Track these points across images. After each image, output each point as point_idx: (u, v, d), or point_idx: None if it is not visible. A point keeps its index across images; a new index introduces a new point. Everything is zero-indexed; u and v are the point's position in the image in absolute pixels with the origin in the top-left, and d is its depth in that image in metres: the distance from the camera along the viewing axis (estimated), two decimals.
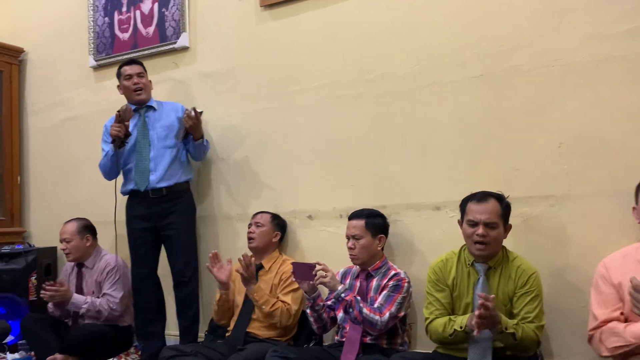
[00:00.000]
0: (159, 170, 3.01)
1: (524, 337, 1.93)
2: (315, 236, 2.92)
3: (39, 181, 4.12)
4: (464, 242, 2.15)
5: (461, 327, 1.97)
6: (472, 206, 2.07)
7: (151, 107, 3.13)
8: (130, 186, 3.06)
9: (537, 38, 2.40)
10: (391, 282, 2.33)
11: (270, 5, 3.11)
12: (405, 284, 2.33)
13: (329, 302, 2.44)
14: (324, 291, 2.49)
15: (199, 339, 3.03)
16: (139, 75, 3.09)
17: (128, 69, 3.09)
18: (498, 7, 2.50)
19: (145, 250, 3.08)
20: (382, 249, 2.48)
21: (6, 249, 3.70)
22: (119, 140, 2.93)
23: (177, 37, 3.42)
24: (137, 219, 3.08)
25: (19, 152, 4.12)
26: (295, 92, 3.04)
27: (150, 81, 3.17)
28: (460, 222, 2.14)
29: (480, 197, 2.07)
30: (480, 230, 2.02)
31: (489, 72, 2.50)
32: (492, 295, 1.85)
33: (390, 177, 2.74)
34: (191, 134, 3.01)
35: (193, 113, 2.91)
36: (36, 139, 4.15)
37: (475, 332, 1.87)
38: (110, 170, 3.09)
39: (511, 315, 2.02)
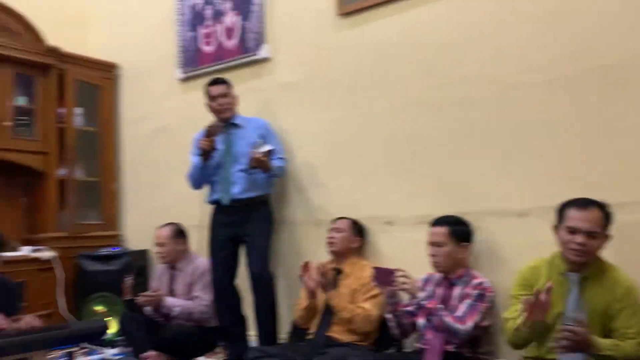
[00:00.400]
0: (240, 184, 3.12)
1: (623, 356, 1.84)
2: (394, 242, 2.93)
3: (132, 188, 4.40)
4: (550, 250, 2.08)
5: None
6: (572, 213, 1.99)
7: (237, 125, 3.23)
8: (215, 197, 3.21)
9: (627, 36, 2.28)
10: (475, 291, 2.29)
11: (348, 14, 3.15)
12: (490, 293, 2.29)
13: (409, 308, 2.44)
14: (405, 297, 2.49)
15: (280, 341, 3.11)
16: (223, 95, 3.20)
17: (213, 90, 3.23)
18: (586, 2, 2.40)
19: (225, 255, 3.19)
20: (466, 257, 2.44)
21: (104, 251, 3.99)
22: (206, 153, 3.09)
23: (258, 48, 3.54)
24: (218, 227, 3.22)
25: (115, 160, 4.42)
26: (371, 99, 3.07)
27: (235, 97, 3.27)
28: (556, 228, 2.07)
29: (583, 204, 1.99)
30: (579, 238, 1.94)
31: (578, 73, 2.40)
32: (583, 319, 1.78)
33: (471, 183, 2.69)
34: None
35: (257, 155, 2.98)
36: (130, 148, 4.44)
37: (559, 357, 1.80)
38: (196, 181, 3.25)
39: (607, 330, 1.93)
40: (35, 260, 3.77)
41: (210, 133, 3.08)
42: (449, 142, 2.78)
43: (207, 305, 3.27)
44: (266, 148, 3.03)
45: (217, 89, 3.22)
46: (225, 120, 3.22)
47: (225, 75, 3.72)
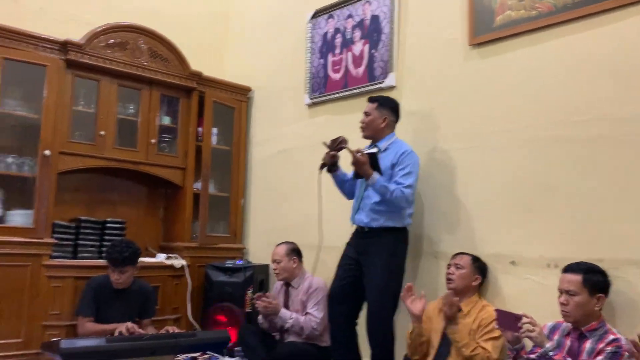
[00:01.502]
0: (364, 210, 3.08)
1: None
2: (518, 284, 2.79)
3: (258, 205, 4.64)
4: None
5: None
6: None
7: (378, 147, 3.10)
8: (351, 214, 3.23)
9: None
10: (609, 348, 2.11)
11: (479, 44, 3.10)
12: (626, 353, 2.10)
13: (533, 357, 2.31)
14: (528, 343, 2.36)
15: None
16: (366, 113, 3.14)
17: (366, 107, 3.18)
18: None
19: (344, 276, 3.16)
20: (600, 309, 2.26)
21: (229, 263, 4.23)
22: (324, 165, 3.17)
23: (385, 77, 3.59)
24: (349, 244, 3.22)
25: (244, 178, 4.69)
26: (499, 132, 2.97)
27: (379, 118, 3.11)
28: None
29: None
30: None
31: None
32: None
33: (608, 228, 2.50)
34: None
35: (356, 153, 2.92)
36: (257, 167, 4.69)
37: None
38: (341, 191, 3.32)
39: None
40: (169, 267, 4.10)
41: (329, 146, 3.11)
42: (581, 182, 2.61)
43: (319, 322, 3.34)
44: (370, 150, 2.99)
45: (366, 106, 3.17)
46: (369, 139, 3.17)
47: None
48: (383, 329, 3.00)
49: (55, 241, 3.65)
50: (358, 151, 2.94)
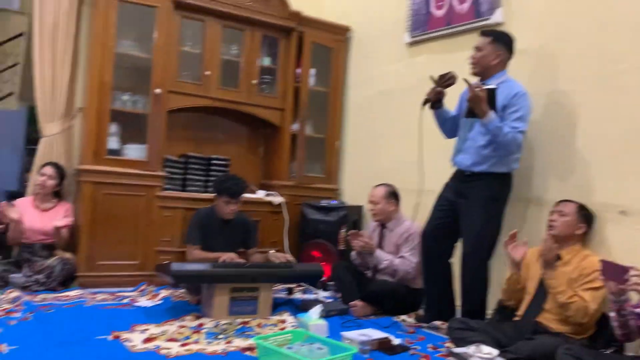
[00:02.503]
0: (468, 152, 2.98)
1: None
2: (627, 235, 2.62)
3: (353, 146, 4.67)
4: None
5: None
6: None
7: (487, 85, 2.86)
8: (452, 155, 3.14)
9: None
10: None
11: None
12: None
13: (638, 310, 2.19)
14: (634, 297, 2.24)
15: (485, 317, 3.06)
16: (477, 48, 2.95)
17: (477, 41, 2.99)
18: None
19: (439, 216, 3.13)
20: None
21: (324, 202, 4.35)
22: (428, 101, 3.06)
23: (492, 13, 3.39)
24: (446, 187, 3.15)
25: (340, 120, 4.72)
26: (618, 72, 2.72)
27: (492, 54, 2.92)
28: None
29: None
30: None
31: None
32: None
33: None
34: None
35: (474, 86, 2.74)
36: (354, 109, 4.68)
37: None
38: (441, 130, 3.22)
39: None
40: (268, 203, 4.29)
41: (438, 82, 2.98)
42: None
43: (413, 267, 3.38)
44: (489, 86, 2.80)
45: (478, 41, 2.97)
46: (478, 76, 2.98)
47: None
48: (477, 274, 2.97)
49: (166, 174, 3.94)
50: (477, 86, 2.78)
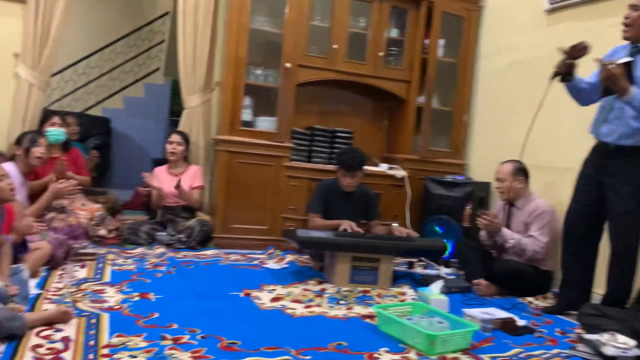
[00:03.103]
0: (612, 123, 2.71)
1: None
2: None
3: (482, 120, 4.49)
4: None
5: None
6: None
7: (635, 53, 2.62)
8: (591, 127, 2.87)
9: None
10: None
11: None
12: None
13: None
14: None
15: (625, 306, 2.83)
16: (633, 7, 2.63)
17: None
18: None
19: (582, 198, 2.89)
20: None
21: (449, 177, 4.25)
22: (558, 74, 2.82)
23: None
24: (587, 163, 2.90)
25: (469, 92, 4.55)
26: None
27: None
28: None
29: None
30: None
31: None
32: None
33: None
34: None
35: (607, 63, 2.46)
36: (484, 81, 4.48)
37: None
38: (574, 99, 2.94)
39: None
40: (390, 177, 4.30)
41: (569, 53, 2.72)
42: None
43: (542, 247, 3.21)
44: (623, 59, 2.52)
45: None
46: (629, 41, 2.69)
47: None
48: (624, 259, 2.74)
49: (294, 146, 4.10)
50: (610, 62, 2.52)
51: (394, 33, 4.40)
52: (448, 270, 3.71)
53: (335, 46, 4.15)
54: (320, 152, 4.29)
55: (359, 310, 2.73)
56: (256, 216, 3.99)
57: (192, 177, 4.00)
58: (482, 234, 3.47)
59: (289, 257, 3.67)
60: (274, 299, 2.78)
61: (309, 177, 4.09)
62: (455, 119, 4.55)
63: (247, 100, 4.07)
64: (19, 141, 3.40)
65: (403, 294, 3.09)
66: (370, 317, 2.62)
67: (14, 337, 1.96)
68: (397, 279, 3.32)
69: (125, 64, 7.11)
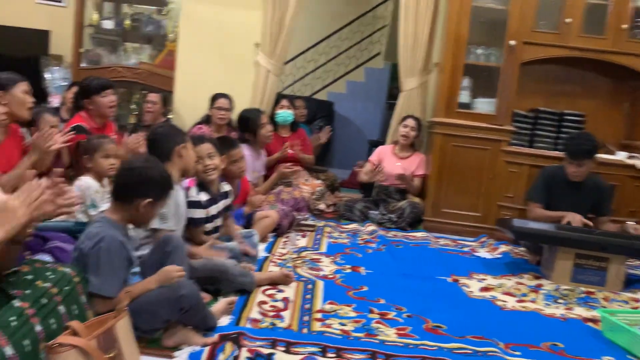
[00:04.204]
0: None
1: None
2: None
3: None
4: None
5: None
6: None
7: None
8: None
9: None
10: None
11: None
12: None
13: None
14: None
15: None
16: None
17: None
18: None
19: None
20: None
21: None
22: None
23: None
24: None
25: None
26: None
27: None
28: None
29: None
30: None
31: None
32: None
33: None
34: None
35: None
36: None
37: None
38: None
39: None
40: (630, 167, 3.75)
41: None
42: None
43: None
44: None
45: None
46: None
47: None
48: None
49: (514, 129, 3.85)
50: None
51: None
52: None
53: (568, 20, 3.75)
54: (544, 136, 3.95)
55: (580, 312, 2.48)
56: (469, 202, 3.87)
57: (417, 165, 4.04)
58: None
59: (503, 248, 3.49)
60: (484, 289, 2.68)
61: (530, 163, 3.80)
62: None
63: (465, 81, 3.94)
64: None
65: (637, 300, 2.70)
66: (594, 321, 2.36)
67: (244, 292, 2.25)
68: (632, 283, 2.92)
69: (349, 50, 7.46)
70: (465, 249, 3.47)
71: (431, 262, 3.07)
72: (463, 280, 2.78)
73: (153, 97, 4.32)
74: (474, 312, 2.36)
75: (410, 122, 4.04)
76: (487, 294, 2.61)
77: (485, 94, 3.94)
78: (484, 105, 3.92)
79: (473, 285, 2.71)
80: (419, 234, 3.69)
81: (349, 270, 2.76)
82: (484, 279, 2.84)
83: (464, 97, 3.94)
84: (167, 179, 1.87)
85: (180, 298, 1.73)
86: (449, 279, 2.78)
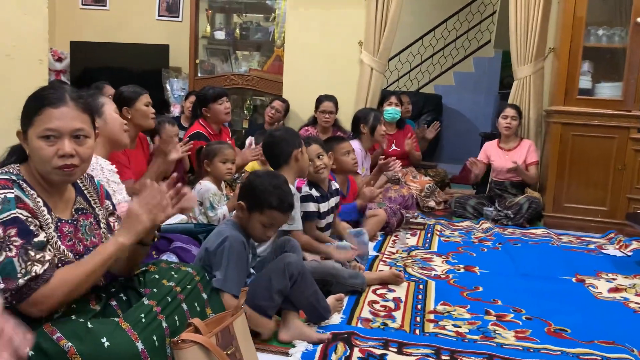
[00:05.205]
0: None
1: None
2: None
3: None
4: None
5: None
6: None
7: None
8: None
9: None
10: None
11: None
12: None
13: None
14: None
15: None
16: None
17: None
18: None
19: None
20: None
21: None
22: None
23: None
24: None
25: None
26: None
27: None
28: None
29: None
30: None
31: None
32: None
33: None
34: None
35: None
36: None
37: None
38: None
39: None
40: None
41: None
42: None
43: None
44: None
45: None
46: None
47: None
48: None
49: None
50: None
51: None
52: None
53: None
54: None
55: None
56: (594, 195, 3.57)
57: (527, 153, 3.83)
58: None
59: (635, 244, 3.18)
60: (613, 289, 2.46)
61: None
62: None
63: (585, 66, 3.64)
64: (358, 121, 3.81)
65: None
66: None
67: (355, 292, 2.25)
68: None
69: (456, 41, 7.23)
70: (591, 247, 3.21)
71: (553, 261, 2.88)
72: (589, 280, 2.57)
73: (277, 104, 4.39)
74: (602, 315, 2.17)
75: (510, 111, 3.83)
76: (618, 295, 2.39)
77: (609, 78, 3.63)
78: (608, 89, 3.61)
79: (601, 286, 2.50)
80: (538, 231, 3.48)
81: (462, 270, 2.67)
82: (613, 279, 2.61)
83: (584, 82, 3.65)
84: (288, 206, 1.87)
85: (287, 265, 1.81)
86: (574, 279, 2.59)
